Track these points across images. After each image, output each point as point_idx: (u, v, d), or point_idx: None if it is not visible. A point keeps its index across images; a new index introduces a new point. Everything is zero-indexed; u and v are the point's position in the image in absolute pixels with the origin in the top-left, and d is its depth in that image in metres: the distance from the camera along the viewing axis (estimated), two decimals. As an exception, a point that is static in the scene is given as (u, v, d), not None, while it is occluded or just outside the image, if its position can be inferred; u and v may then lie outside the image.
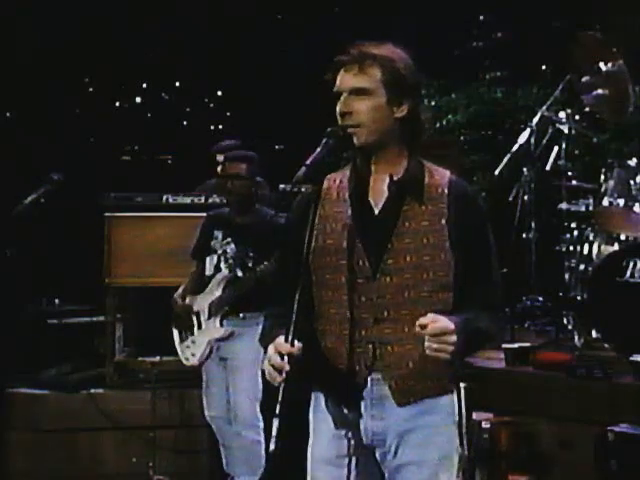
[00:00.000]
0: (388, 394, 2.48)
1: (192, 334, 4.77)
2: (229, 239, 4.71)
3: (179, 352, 4.84)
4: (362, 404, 2.50)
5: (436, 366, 2.42)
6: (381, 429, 2.50)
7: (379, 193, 2.51)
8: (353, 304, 2.48)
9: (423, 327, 2.32)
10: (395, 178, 2.50)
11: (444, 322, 2.33)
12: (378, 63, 2.46)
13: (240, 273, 4.64)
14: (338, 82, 2.49)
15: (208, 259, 4.74)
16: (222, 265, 4.70)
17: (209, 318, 4.69)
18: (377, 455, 2.54)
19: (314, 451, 2.60)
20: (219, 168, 5.86)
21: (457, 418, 2.56)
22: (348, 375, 2.49)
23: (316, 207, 2.49)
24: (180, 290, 4.82)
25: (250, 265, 4.62)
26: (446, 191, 2.50)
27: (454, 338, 2.32)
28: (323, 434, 2.57)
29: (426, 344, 2.33)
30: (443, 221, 2.48)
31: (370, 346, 2.47)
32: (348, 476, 2.52)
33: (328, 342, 2.52)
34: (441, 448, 2.51)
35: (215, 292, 4.67)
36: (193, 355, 4.76)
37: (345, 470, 2.53)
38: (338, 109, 2.48)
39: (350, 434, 2.52)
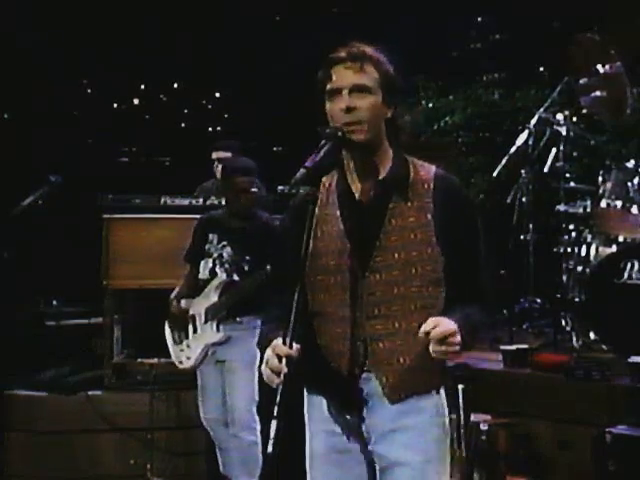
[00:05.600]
0: (375, 392, 2.49)
1: (187, 337, 4.76)
2: (225, 242, 4.70)
3: (172, 355, 4.83)
4: (365, 403, 2.50)
5: (426, 361, 2.42)
6: (365, 427, 2.52)
7: (366, 192, 2.54)
8: (345, 303, 2.50)
9: (427, 334, 2.31)
10: (380, 177, 2.53)
11: (446, 325, 2.33)
12: (374, 64, 2.49)
13: (237, 277, 4.64)
14: (337, 78, 2.49)
15: (202, 262, 4.73)
16: (217, 269, 4.68)
17: (205, 322, 4.68)
18: (367, 452, 2.54)
19: (309, 446, 2.62)
20: (217, 167, 5.86)
21: (446, 420, 2.56)
22: (341, 373, 2.50)
23: (314, 210, 2.49)
24: (175, 292, 4.82)
25: (246, 269, 4.62)
26: (432, 186, 2.52)
27: (458, 338, 2.32)
28: (316, 429, 2.59)
29: (432, 348, 2.32)
30: (429, 216, 2.49)
31: (361, 343, 2.49)
32: (341, 472, 2.54)
33: (322, 340, 2.53)
34: (425, 450, 2.50)
35: (212, 297, 4.66)
36: (188, 359, 4.75)
37: (338, 466, 2.54)
38: (340, 105, 2.47)
39: (347, 432, 2.53)
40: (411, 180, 2.53)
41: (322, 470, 2.58)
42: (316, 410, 2.59)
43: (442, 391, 2.55)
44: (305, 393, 2.63)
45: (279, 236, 2.73)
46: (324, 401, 2.56)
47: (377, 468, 2.54)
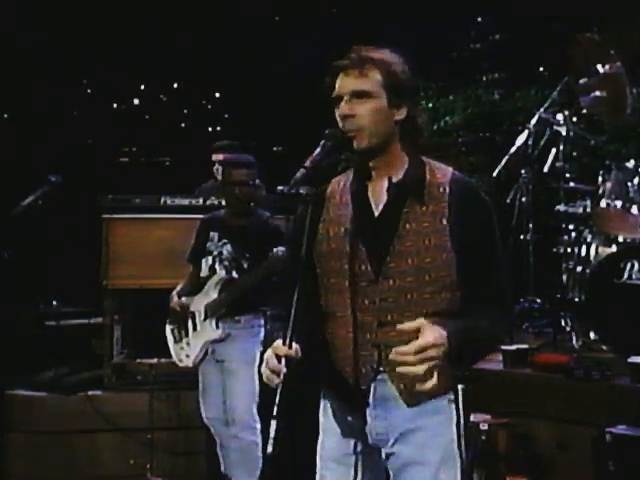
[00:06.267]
0: (392, 395, 2.49)
1: (187, 335, 4.77)
2: (225, 240, 4.71)
3: (173, 353, 4.84)
4: (366, 406, 2.51)
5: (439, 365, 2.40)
6: (384, 429, 2.52)
7: (380, 196, 2.52)
8: (357, 308, 2.49)
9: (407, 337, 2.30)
10: (394, 180, 2.50)
11: (425, 338, 2.27)
12: (378, 66, 2.47)
13: (236, 275, 4.65)
14: (338, 86, 2.49)
15: (204, 260, 4.74)
16: (217, 266, 4.70)
17: (205, 320, 4.69)
18: (382, 454, 2.55)
19: (323, 449, 2.62)
20: (218, 170, 5.87)
21: (460, 421, 2.57)
22: (354, 378, 2.50)
23: (313, 211, 2.48)
24: (177, 289, 4.83)
25: (246, 267, 4.63)
26: (447, 190, 2.49)
27: (434, 352, 2.27)
28: (330, 431, 2.60)
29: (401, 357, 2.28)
30: (444, 221, 2.46)
31: (375, 349, 2.48)
32: (355, 476, 2.55)
33: (336, 344, 2.53)
34: (443, 449, 2.51)
35: (212, 294, 4.67)
36: (187, 357, 4.76)
37: (351, 469, 2.55)
38: (340, 112, 2.48)
39: (359, 434, 2.54)
40: (427, 183, 2.50)
41: (334, 471, 2.58)
42: (331, 412, 2.60)
43: (452, 393, 2.55)
44: (321, 395, 2.63)
45: (289, 236, 2.74)
46: (339, 404, 2.57)
47: (391, 468, 2.54)
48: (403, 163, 2.53)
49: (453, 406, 2.55)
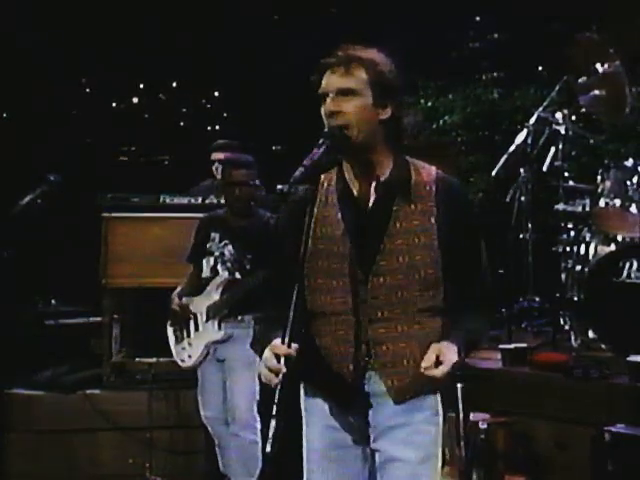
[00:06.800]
0: (378, 391, 2.51)
1: (188, 336, 4.77)
2: (226, 241, 4.71)
3: (174, 354, 4.84)
4: (353, 402, 2.52)
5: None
6: (367, 424, 2.54)
7: (367, 195, 2.53)
8: (347, 306, 2.50)
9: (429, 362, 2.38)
10: (382, 179, 2.52)
11: (447, 361, 2.36)
12: (364, 65, 2.48)
13: (239, 276, 4.64)
14: (324, 83, 2.50)
15: (204, 261, 4.74)
16: (219, 267, 4.69)
17: (207, 321, 4.68)
18: (367, 450, 2.57)
19: (307, 443, 2.63)
20: (217, 169, 5.87)
21: (441, 419, 2.58)
22: (342, 375, 2.51)
23: (312, 209, 2.48)
24: (178, 290, 4.82)
25: (248, 268, 4.62)
26: (434, 189, 2.51)
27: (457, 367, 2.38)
28: (315, 426, 2.61)
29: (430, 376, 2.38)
30: (432, 219, 2.49)
31: (364, 346, 2.50)
32: (342, 470, 2.56)
33: (323, 342, 2.53)
34: (423, 448, 2.53)
35: (213, 295, 4.66)
36: (190, 357, 4.76)
37: (338, 463, 2.56)
38: (325, 109, 2.48)
39: (345, 429, 2.55)
40: (413, 182, 2.52)
41: (321, 466, 2.60)
42: (315, 408, 2.60)
43: (437, 391, 2.57)
44: (302, 392, 2.64)
45: (275, 234, 2.73)
46: (324, 401, 2.57)
47: (376, 464, 2.56)
48: (388, 162, 2.53)
49: (437, 403, 2.57)
